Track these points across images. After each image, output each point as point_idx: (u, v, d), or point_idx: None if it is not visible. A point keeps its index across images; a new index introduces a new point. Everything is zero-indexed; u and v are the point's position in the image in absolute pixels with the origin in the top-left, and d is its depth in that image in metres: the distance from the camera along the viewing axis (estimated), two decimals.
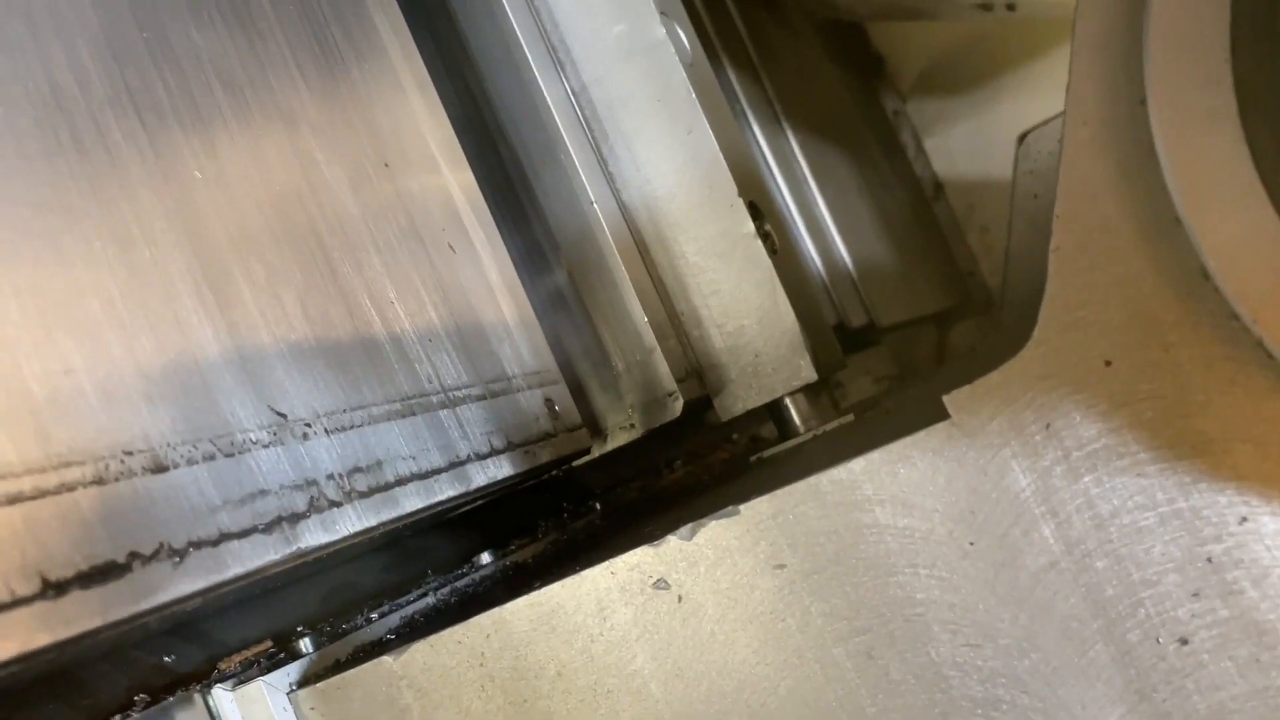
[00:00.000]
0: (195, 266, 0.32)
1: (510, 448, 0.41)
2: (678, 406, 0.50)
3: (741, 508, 0.31)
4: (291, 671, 0.38)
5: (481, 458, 0.40)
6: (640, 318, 0.51)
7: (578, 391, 0.53)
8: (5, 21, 0.32)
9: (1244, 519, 0.25)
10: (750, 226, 0.52)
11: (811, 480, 0.30)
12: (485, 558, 0.48)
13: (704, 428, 0.61)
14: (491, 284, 0.45)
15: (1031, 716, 0.27)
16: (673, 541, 0.31)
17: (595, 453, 0.56)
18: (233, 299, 0.32)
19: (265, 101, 0.39)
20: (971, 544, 0.27)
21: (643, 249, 0.54)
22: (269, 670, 0.38)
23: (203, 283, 0.32)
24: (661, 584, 0.31)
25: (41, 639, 0.24)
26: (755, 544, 0.30)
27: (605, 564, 0.32)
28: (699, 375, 0.53)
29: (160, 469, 0.27)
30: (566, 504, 0.59)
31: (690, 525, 0.31)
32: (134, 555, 0.26)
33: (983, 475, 0.27)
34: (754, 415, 0.57)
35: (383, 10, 0.48)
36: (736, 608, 0.30)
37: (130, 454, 0.27)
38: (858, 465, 0.29)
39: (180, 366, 0.30)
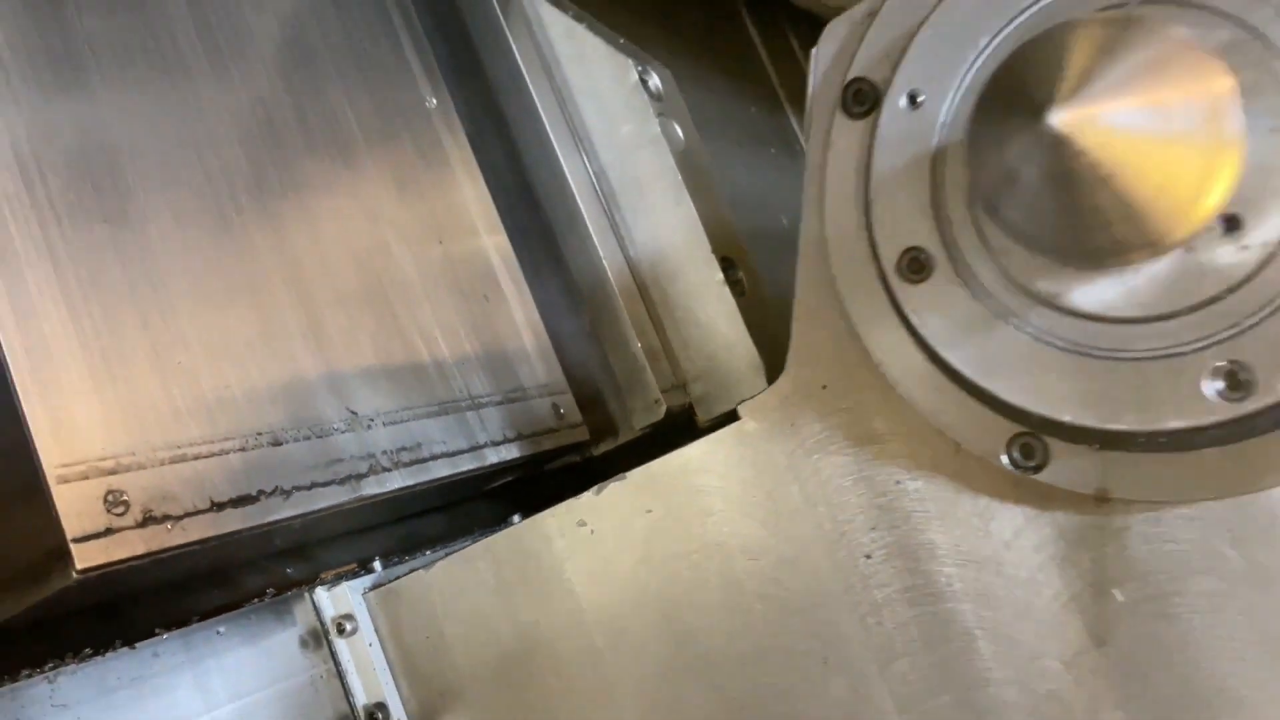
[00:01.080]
0: (302, 316, 0.52)
1: (519, 438, 0.60)
2: (661, 410, 0.67)
3: (629, 474, 0.48)
4: (366, 582, 0.57)
5: (496, 444, 0.58)
6: (635, 344, 0.68)
7: (594, 399, 0.71)
8: (185, 127, 0.52)
9: (898, 481, 0.40)
10: (720, 276, 0.69)
11: (669, 456, 0.47)
12: (516, 518, 0.67)
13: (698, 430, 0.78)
14: (517, 322, 0.64)
15: (791, 598, 0.43)
16: (588, 496, 0.48)
17: (608, 446, 0.74)
18: (325, 338, 0.52)
19: (356, 202, 0.59)
20: (753, 498, 0.44)
21: (643, 291, 0.71)
22: (351, 579, 0.57)
23: (307, 327, 0.52)
24: (581, 523, 0.48)
25: (210, 532, 0.43)
26: (635, 497, 0.47)
27: (550, 510, 0.50)
28: (683, 387, 0.70)
29: (277, 444, 0.47)
30: (588, 485, 0.77)
31: (599, 485, 0.49)
32: (261, 492, 0.46)
33: (758, 454, 0.44)
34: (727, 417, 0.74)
35: (445, 124, 0.67)
36: (624, 538, 0.47)
37: (260, 434, 0.47)
38: (694, 448, 0.46)
39: (292, 382, 0.49)
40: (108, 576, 0.40)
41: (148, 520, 0.41)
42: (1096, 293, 0.34)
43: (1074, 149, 0.30)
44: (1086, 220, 0.31)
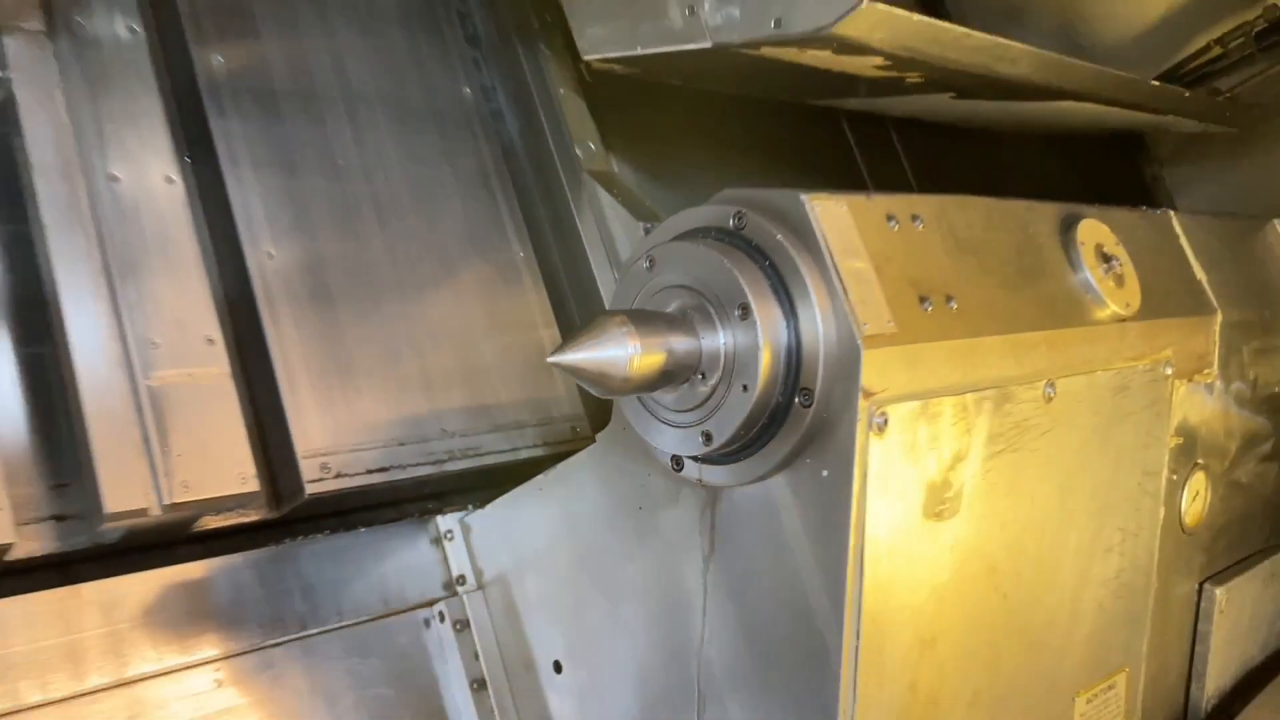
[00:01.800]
0: (420, 372, 1.05)
1: (545, 444, 1.10)
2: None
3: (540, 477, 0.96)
4: (460, 515, 1.10)
5: (529, 448, 1.09)
6: None
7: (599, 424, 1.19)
8: (372, 258, 1.07)
9: (642, 484, 0.86)
10: None
11: (568, 460, 0.95)
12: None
13: None
14: (556, 377, 1.14)
15: (626, 559, 0.90)
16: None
17: None
18: (433, 387, 1.05)
19: (459, 306, 1.11)
20: (604, 499, 0.91)
21: None
22: (455, 513, 1.10)
23: (422, 380, 1.05)
24: (540, 488, 0.98)
25: (365, 484, 0.97)
26: (539, 492, 0.96)
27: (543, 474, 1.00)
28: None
29: (401, 444, 1.01)
30: None
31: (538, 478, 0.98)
32: (391, 467, 0.99)
33: (605, 466, 0.90)
34: None
35: (527, 266, 1.18)
36: (566, 493, 0.96)
37: (392, 439, 1.01)
38: (579, 456, 0.93)
39: (412, 412, 1.03)
40: (320, 499, 0.95)
41: (339, 476, 0.96)
42: (669, 398, 0.78)
43: None
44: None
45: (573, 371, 0.70)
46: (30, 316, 0.88)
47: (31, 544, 0.83)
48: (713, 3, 1.08)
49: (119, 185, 0.89)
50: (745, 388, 0.74)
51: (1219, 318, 1.16)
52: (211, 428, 0.87)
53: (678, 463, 0.83)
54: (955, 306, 0.82)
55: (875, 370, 0.73)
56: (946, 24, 1.06)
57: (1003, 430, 0.86)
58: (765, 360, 0.73)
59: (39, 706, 0.82)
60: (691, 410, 0.78)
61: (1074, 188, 2.10)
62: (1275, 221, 1.39)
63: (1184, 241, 1.17)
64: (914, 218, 0.83)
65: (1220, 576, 1.23)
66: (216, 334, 0.90)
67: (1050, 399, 0.91)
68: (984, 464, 0.85)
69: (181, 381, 0.86)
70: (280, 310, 0.98)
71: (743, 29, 1.06)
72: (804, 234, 0.75)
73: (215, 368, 0.88)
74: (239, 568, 0.95)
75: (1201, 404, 1.16)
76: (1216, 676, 1.24)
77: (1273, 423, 1.31)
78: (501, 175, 1.23)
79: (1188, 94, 1.54)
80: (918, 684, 0.82)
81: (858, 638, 0.76)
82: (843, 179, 1.81)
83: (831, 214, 0.76)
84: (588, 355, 0.70)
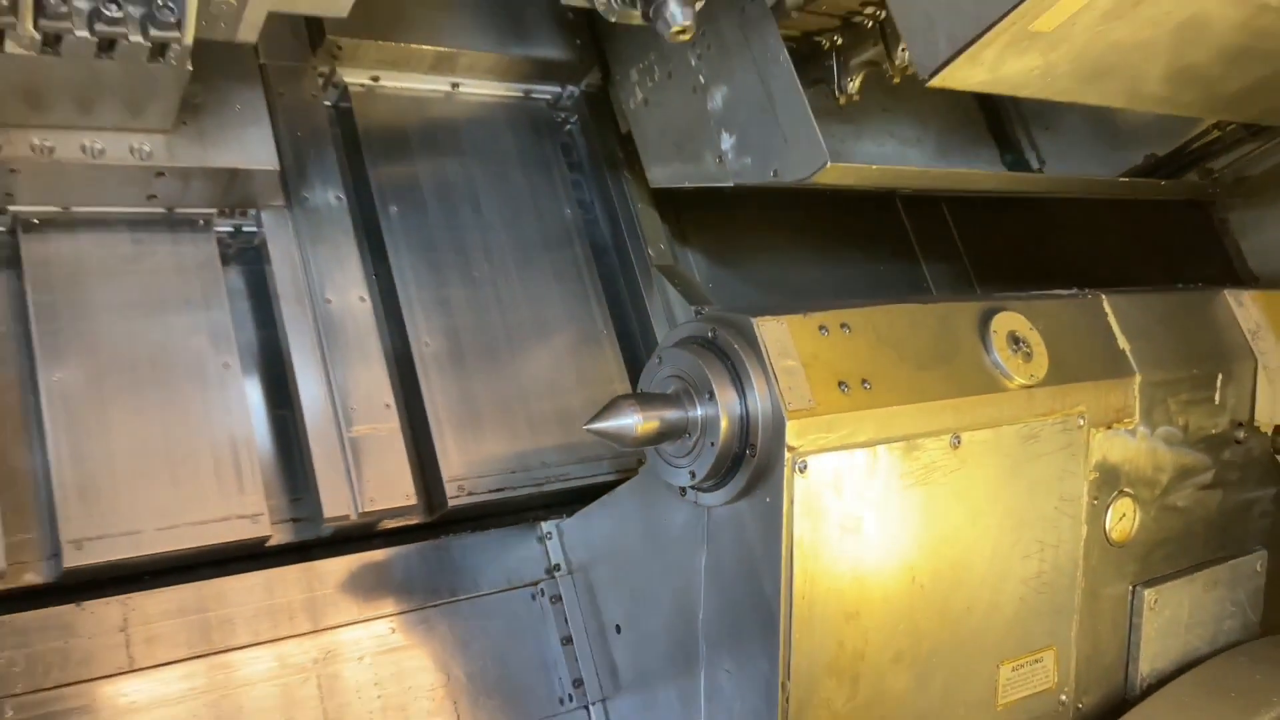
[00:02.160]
0: (523, 420, 1.50)
1: (616, 472, 1.54)
2: None
3: (606, 496, 1.39)
4: (558, 521, 1.54)
5: (604, 475, 1.53)
6: None
7: None
8: (486, 321, 1.53)
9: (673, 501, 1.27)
10: None
11: (622, 486, 1.37)
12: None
13: None
14: None
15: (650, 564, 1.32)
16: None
17: None
18: (537, 429, 1.50)
19: (556, 363, 1.56)
20: (644, 513, 1.33)
21: None
22: (554, 519, 1.54)
23: (527, 426, 1.50)
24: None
25: (485, 499, 1.43)
26: (605, 508, 1.38)
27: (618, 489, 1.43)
28: None
29: (513, 472, 1.46)
30: None
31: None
32: (509, 488, 1.45)
33: (644, 491, 1.33)
34: None
35: (609, 340, 1.62)
36: (623, 506, 1.39)
37: (505, 469, 1.46)
38: (629, 483, 1.36)
39: (518, 450, 1.49)
40: (458, 510, 1.42)
41: (470, 494, 1.43)
42: (670, 449, 1.20)
43: None
44: None
45: (597, 434, 1.14)
46: (278, 390, 1.38)
47: (281, 536, 1.33)
48: (734, 155, 1.50)
49: (330, 304, 1.39)
50: (713, 444, 1.15)
51: (1138, 379, 1.48)
52: (387, 462, 1.34)
53: (682, 490, 1.25)
54: (869, 387, 1.21)
55: (796, 433, 1.13)
56: (901, 168, 1.44)
57: (912, 469, 1.24)
58: (724, 426, 1.14)
59: (287, 638, 1.30)
60: (684, 457, 1.20)
61: (1134, 237, 2.36)
62: (1225, 292, 1.68)
63: (1111, 318, 1.50)
64: (843, 325, 1.23)
65: (1154, 581, 1.55)
66: (391, 400, 1.38)
67: (957, 447, 1.28)
68: (897, 493, 1.23)
69: (369, 433, 1.34)
70: (433, 381, 1.45)
71: (754, 174, 1.48)
72: (752, 344, 1.16)
73: (390, 424, 1.36)
74: (408, 554, 1.43)
75: (1123, 445, 1.48)
76: (1152, 660, 1.55)
77: (1212, 458, 1.61)
78: (591, 268, 1.67)
79: (1164, 183, 1.84)
80: (844, 643, 1.21)
81: (791, 608, 1.16)
82: (897, 257, 2.17)
83: (772, 330, 1.16)
84: (606, 425, 1.13)
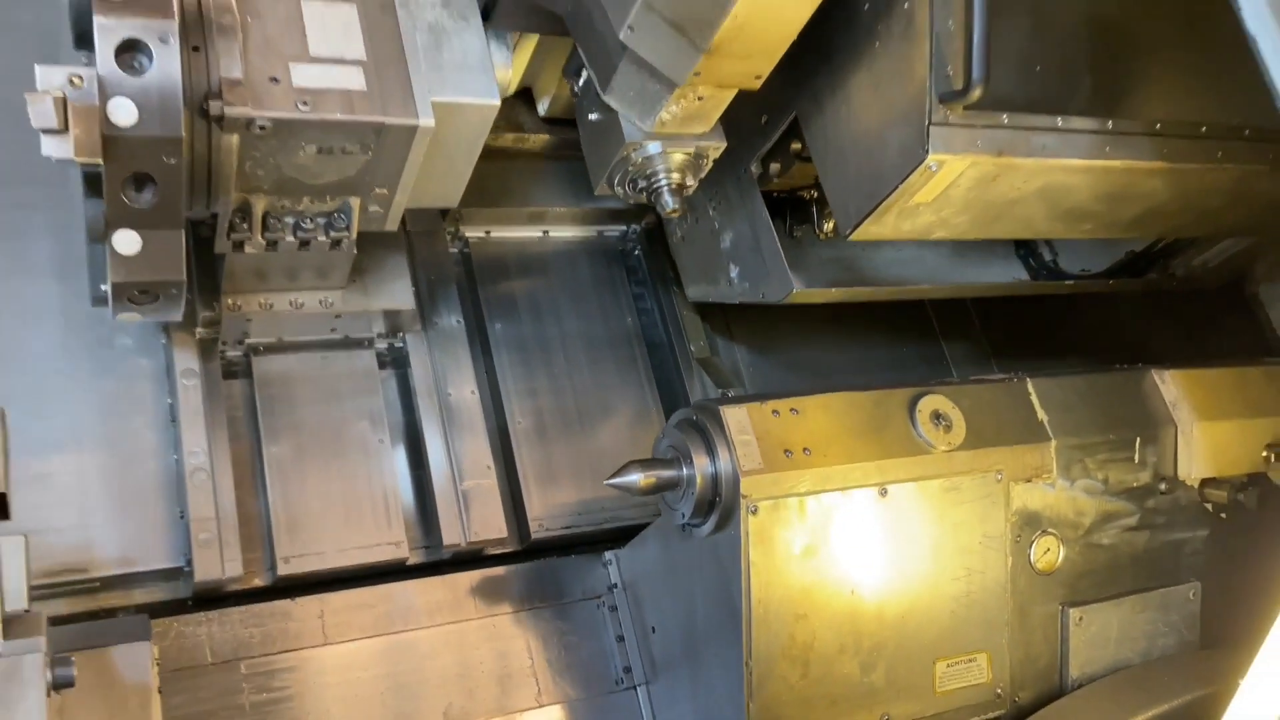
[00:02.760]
0: (593, 475, 2.07)
1: (656, 514, 2.08)
2: None
3: (643, 532, 1.92)
4: (616, 552, 2.08)
5: (649, 516, 2.07)
6: None
7: None
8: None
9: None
10: None
11: (652, 525, 1.90)
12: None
13: None
14: None
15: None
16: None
17: None
18: (600, 486, 2.07)
19: (609, 439, 2.12)
20: (664, 544, 1.86)
21: None
22: (616, 548, 2.08)
23: (596, 482, 2.06)
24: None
25: (562, 533, 2.00)
26: (643, 541, 1.92)
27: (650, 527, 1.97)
28: None
29: (580, 514, 2.03)
30: None
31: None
32: (577, 526, 2.01)
33: (665, 527, 1.86)
34: None
35: (654, 400, 2.17)
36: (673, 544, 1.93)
37: (572, 511, 2.03)
38: (656, 522, 1.89)
39: (586, 498, 2.05)
40: (540, 542, 2.00)
41: (548, 530, 2.01)
42: (670, 496, 1.74)
43: None
44: None
45: (614, 488, 1.69)
46: (415, 456, 2.00)
47: (415, 558, 1.94)
48: (738, 281, 2.04)
49: (450, 396, 2.00)
50: (693, 493, 1.69)
51: (1054, 443, 1.92)
52: (487, 507, 1.94)
53: (682, 526, 1.78)
54: (809, 453, 1.71)
55: (748, 486, 1.65)
56: (859, 288, 1.95)
57: (846, 512, 1.73)
58: (700, 481, 1.67)
59: (427, 627, 1.89)
60: (679, 503, 1.73)
61: (1161, 312, 2.71)
62: (1152, 371, 2.08)
63: (1033, 396, 1.95)
64: (793, 409, 1.74)
65: (1080, 603, 1.96)
66: (491, 463, 1.98)
67: (884, 495, 1.77)
68: (833, 528, 1.72)
69: (475, 486, 1.94)
70: (523, 448, 2.05)
71: (751, 296, 2.02)
72: (719, 425, 1.68)
73: (490, 480, 1.95)
74: (507, 573, 2.01)
75: (1043, 495, 1.92)
76: (1081, 666, 1.96)
77: (1135, 505, 2.01)
78: (646, 362, 2.24)
79: (1111, 281, 2.26)
80: (795, 636, 1.71)
81: (750, 610, 1.67)
82: (921, 340, 2.64)
83: (734, 414, 1.69)
84: (619, 480, 1.68)
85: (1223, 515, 2.08)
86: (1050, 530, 1.93)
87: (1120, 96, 1.73)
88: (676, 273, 2.30)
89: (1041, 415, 1.94)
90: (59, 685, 1.11)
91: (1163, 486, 2.03)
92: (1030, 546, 1.91)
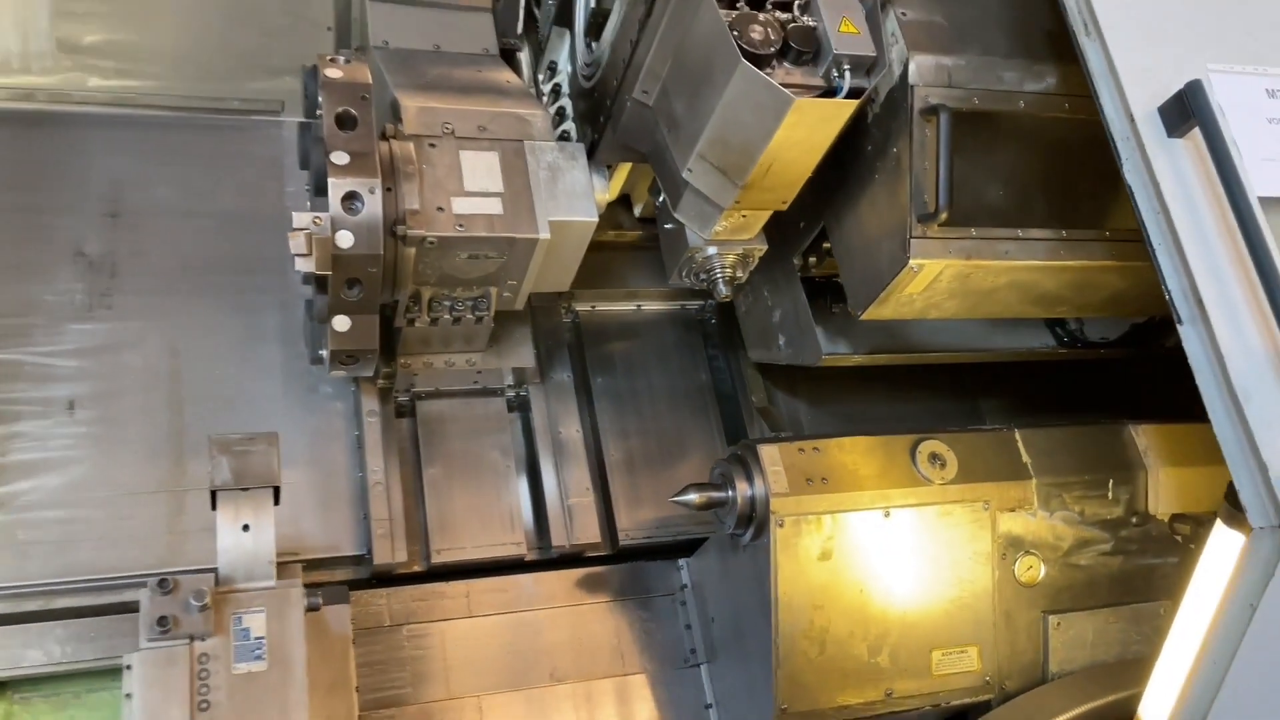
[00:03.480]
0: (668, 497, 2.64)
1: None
2: None
3: (707, 541, 2.48)
4: (687, 560, 2.64)
5: (713, 530, 2.63)
6: None
7: None
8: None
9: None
10: None
11: (712, 536, 2.45)
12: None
13: None
14: None
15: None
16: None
17: None
18: (674, 507, 2.64)
19: (684, 471, 2.69)
20: (720, 551, 2.42)
21: None
22: (685, 558, 2.65)
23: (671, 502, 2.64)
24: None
25: (646, 542, 2.57)
26: (705, 550, 2.48)
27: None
28: None
29: (659, 527, 2.61)
30: None
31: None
32: (655, 537, 2.59)
33: (721, 537, 2.42)
34: None
35: (720, 440, 2.73)
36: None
37: (656, 525, 2.60)
38: (716, 534, 2.44)
39: (663, 515, 2.63)
40: (626, 548, 2.58)
41: (631, 539, 2.60)
42: (719, 512, 2.29)
43: None
44: None
45: (677, 504, 2.27)
46: (534, 480, 2.61)
47: (530, 556, 2.55)
48: (785, 347, 2.61)
49: (561, 434, 2.62)
50: (734, 510, 2.24)
51: (1034, 480, 2.40)
52: (586, 519, 2.53)
53: (730, 536, 2.34)
54: (826, 482, 2.26)
55: (776, 505, 2.20)
56: (881, 354, 2.48)
57: (855, 528, 2.26)
58: (740, 503, 2.23)
59: (543, 609, 2.49)
60: (725, 516, 2.29)
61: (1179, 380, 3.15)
62: (1129, 426, 2.54)
63: (1019, 444, 2.44)
64: (815, 448, 2.29)
65: (1059, 611, 2.42)
66: (590, 485, 2.58)
67: (888, 517, 2.29)
68: (845, 540, 2.25)
69: (578, 503, 2.54)
70: (615, 475, 2.64)
71: (794, 359, 2.58)
72: (757, 458, 2.24)
73: (589, 499, 2.56)
74: (602, 572, 2.60)
75: (1025, 522, 2.40)
76: (1060, 664, 2.41)
77: (1110, 534, 2.47)
78: (716, 410, 2.81)
79: (1123, 350, 2.72)
80: (814, 622, 2.24)
81: (778, 600, 2.21)
82: (956, 396, 3.12)
83: (768, 451, 2.25)
84: (679, 498, 2.26)
85: (1192, 545, 2.51)
86: (1032, 551, 2.41)
87: (1073, 211, 2.23)
88: (742, 338, 2.87)
89: (1026, 458, 2.43)
90: (310, 609, 1.75)
91: (1134, 519, 2.48)
92: (1015, 563, 2.39)
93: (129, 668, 1.63)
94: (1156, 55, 1.77)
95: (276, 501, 1.80)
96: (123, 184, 2.60)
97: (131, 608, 1.99)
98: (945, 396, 3.09)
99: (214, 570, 1.71)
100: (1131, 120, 1.71)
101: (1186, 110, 1.67)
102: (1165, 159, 1.70)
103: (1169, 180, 1.68)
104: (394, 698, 2.26)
